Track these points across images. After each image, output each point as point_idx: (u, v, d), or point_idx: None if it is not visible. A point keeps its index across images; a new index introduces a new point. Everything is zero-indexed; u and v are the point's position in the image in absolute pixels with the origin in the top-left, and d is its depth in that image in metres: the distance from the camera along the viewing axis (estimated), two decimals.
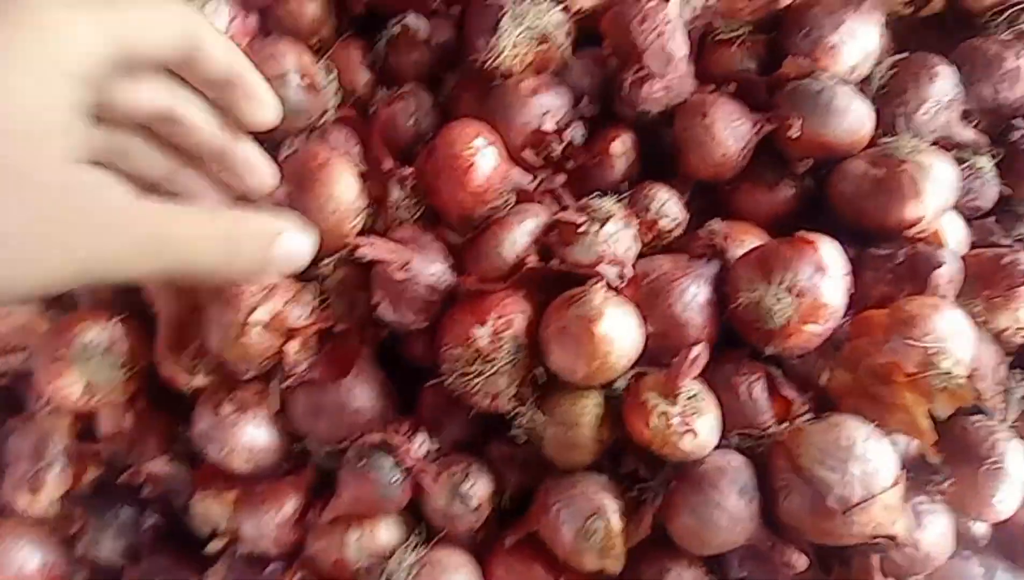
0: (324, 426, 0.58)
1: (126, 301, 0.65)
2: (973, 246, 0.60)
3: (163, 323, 0.61)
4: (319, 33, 0.71)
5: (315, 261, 0.59)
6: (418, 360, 0.61)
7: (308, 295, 0.58)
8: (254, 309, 0.54)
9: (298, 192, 0.56)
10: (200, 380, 0.61)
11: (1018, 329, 0.56)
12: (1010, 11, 0.61)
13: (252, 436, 0.58)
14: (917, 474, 0.53)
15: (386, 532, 0.56)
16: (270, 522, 0.57)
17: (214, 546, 0.61)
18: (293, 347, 0.56)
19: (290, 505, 0.58)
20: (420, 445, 0.56)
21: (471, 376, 0.53)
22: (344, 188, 0.57)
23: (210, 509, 0.60)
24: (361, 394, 0.58)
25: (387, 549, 0.55)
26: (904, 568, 0.51)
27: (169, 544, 0.65)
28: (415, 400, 0.60)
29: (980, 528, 0.57)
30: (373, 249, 0.56)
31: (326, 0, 0.73)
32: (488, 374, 0.53)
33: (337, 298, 0.59)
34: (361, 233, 0.59)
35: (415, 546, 0.54)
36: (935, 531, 0.52)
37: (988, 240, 0.60)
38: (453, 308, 0.57)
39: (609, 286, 0.54)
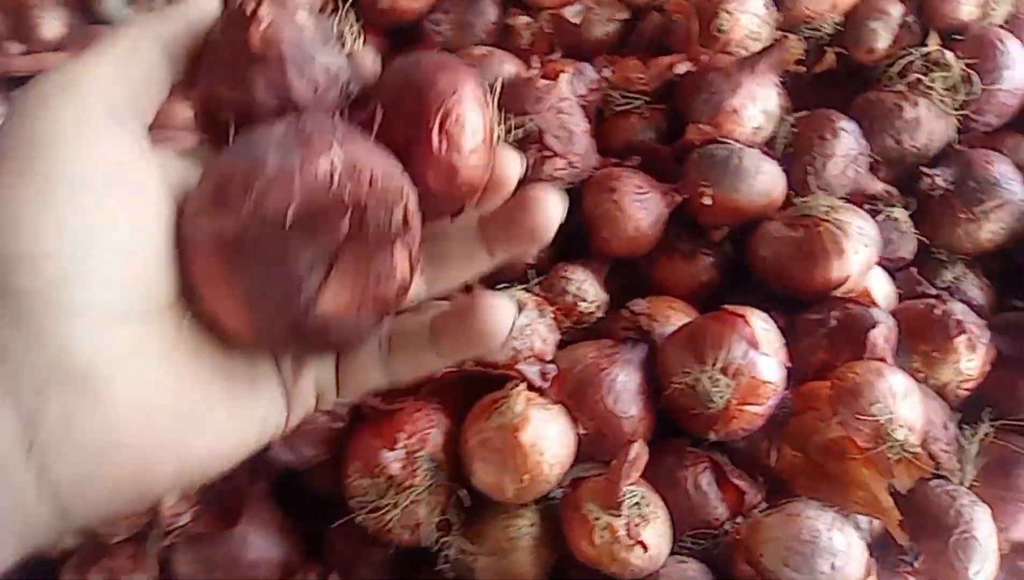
0: None
1: None
2: (901, 298, 0.58)
3: None
4: None
5: None
6: (323, 494, 0.53)
7: None
8: None
9: None
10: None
11: (961, 382, 0.53)
12: (901, 62, 0.60)
13: None
14: (885, 553, 0.48)
15: None
16: None
17: None
18: (169, 496, 0.47)
19: None
20: None
21: (384, 510, 0.46)
22: None
23: None
24: (256, 542, 0.49)
25: None
26: None
27: None
28: (323, 538, 0.52)
29: None
30: None
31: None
32: (404, 504, 0.46)
33: None
34: None
35: None
36: None
37: (915, 290, 0.58)
38: (356, 430, 0.50)
39: (531, 387, 0.48)
